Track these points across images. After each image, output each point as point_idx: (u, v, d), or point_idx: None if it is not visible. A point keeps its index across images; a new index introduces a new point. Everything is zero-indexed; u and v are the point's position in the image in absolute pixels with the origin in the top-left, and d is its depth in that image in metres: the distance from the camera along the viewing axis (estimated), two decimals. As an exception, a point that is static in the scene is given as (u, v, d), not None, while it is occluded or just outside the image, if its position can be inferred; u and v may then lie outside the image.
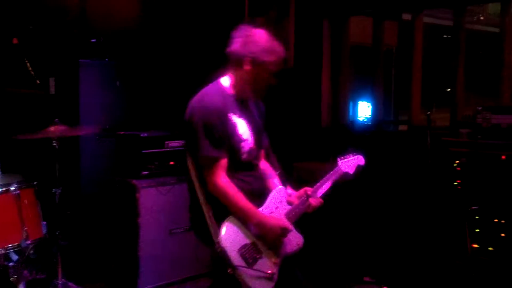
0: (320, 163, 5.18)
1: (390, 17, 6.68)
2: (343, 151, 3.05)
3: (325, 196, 2.93)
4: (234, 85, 2.81)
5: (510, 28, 5.26)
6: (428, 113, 4.45)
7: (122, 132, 4.45)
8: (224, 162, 2.68)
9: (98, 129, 4.34)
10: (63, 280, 3.89)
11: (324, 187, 2.92)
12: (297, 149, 5.44)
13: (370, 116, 6.30)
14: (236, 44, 2.76)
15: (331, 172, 2.95)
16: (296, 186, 2.98)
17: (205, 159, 2.66)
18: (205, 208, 2.67)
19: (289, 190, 2.96)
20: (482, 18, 9.58)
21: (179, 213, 4.32)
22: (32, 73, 3.99)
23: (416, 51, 5.64)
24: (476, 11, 9.31)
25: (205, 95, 2.76)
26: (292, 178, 4.46)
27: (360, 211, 4.85)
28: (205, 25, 5.39)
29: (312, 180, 2.97)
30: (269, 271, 2.63)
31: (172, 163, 4.44)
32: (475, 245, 4.16)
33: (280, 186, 2.89)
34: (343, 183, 4.76)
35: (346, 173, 2.99)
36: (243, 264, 2.57)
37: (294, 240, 2.80)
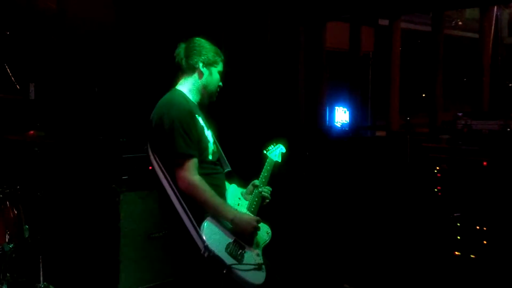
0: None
1: (366, 23, 7.06)
2: (268, 144, 3.49)
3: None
4: (192, 90, 3.12)
5: (488, 33, 5.57)
6: (408, 118, 4.64)
7: (102, 137, 4.78)
8: (196, 160, 2.92)
9: (79, 134, 4.62)
10: (44, 283, 4.16)
11: (266, 178, 3.29)
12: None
13: (347, 122, 6.64)
14: (184, 52, 3.13)
15: (266, 164, 3.34)
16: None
17: (180, 156, 2.88)
18: (181, 212, 2.86)
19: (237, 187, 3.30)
20: (460, 23, 10.00)
21: (158, 217, 4.62)
22: (12, 78, 4.28)
23: (394, 57, 5.98)
24: (454, 16, 9.72)
25: (172, 99, 3.05)
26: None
27: (339, 217, 5.07)
28: (178, 30, 5.68)
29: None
30: (258, 262, 2.91)
31: (151, 167, 4.73)
32: (457, 253, 4.35)
33: (233, 184, 3.22)
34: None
35: (277, 162, 3.40)
36: (234, 261, 2.82)
37: (263, 230, 3.10)
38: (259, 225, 3.02)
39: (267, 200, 3.23)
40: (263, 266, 2.95)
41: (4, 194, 3.88)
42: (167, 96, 3.09)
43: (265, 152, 3.41)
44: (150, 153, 3.07)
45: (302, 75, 6.35)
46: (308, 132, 6.24)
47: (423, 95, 6.44)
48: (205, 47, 3.14)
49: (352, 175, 5.34)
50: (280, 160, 3.43)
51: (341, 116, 6.76)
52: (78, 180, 4.82)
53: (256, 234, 3.01)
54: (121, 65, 5.36)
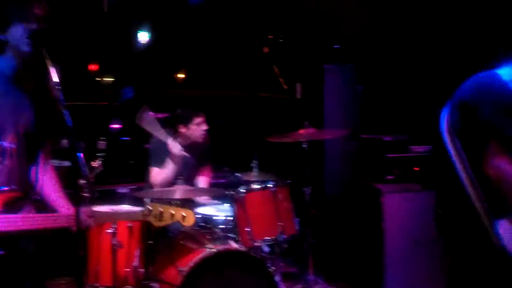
0: None
1: None
2: None
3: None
4: None
5: None
6: None
7: (365, 136, 5.06)
8: None
9: (344, 132, 4.97)
10: (314, 275, 4.55)
11: None
12: None
13: None
14: None
15: None
16: None
17: None
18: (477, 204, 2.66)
19: None
20: None
21: (424, 222, 4.65)
22: (280, 79, 4.82)
23: None
24: None
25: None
26: None
27: None
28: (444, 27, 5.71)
29: None
30: None
31: (416, 169, 4.86)
32: None
33: None
34: None
35: None
36: None
37: None
38: None
39: None
40: None
41: (278, 187, 4.33)
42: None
43: None
44: None
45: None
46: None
47: None
48: None
49: None
50: None
51: None
52: (341, 177, 5.16)
53: None
54: (383, 63, 5.59)
